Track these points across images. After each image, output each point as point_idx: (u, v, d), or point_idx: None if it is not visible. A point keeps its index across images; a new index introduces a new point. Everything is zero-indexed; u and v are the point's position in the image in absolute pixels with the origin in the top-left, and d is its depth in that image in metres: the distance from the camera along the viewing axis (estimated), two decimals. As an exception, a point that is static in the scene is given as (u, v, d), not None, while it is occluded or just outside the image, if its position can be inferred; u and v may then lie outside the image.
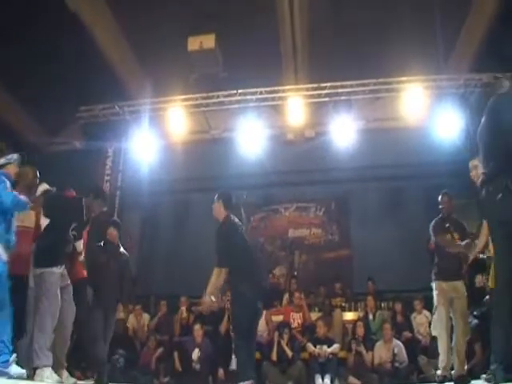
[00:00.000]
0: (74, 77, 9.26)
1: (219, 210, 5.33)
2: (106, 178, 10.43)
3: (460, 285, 5.73)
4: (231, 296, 5.30)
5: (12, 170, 4.65)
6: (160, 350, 8.16)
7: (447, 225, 5.88)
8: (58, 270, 4.75)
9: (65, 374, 4.60)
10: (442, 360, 5.64)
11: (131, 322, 8.82)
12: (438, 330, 5.80)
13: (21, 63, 8.91)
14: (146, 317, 9.01)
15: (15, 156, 4.75)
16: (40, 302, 4.66)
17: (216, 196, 5.40)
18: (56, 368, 4.61)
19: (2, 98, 9.87)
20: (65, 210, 5.01)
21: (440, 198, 6.03)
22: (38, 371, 4.49)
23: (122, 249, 6.57)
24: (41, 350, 4.47)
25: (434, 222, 6.00)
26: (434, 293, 5.87)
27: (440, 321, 5.78)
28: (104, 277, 6.23)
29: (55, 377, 4.53)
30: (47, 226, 4.86)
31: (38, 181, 5.22)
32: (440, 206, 6.02)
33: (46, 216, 4.91)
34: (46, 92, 9.22)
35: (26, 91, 9.44)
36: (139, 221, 12.06)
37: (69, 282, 4.91)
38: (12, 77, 9.09)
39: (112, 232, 6.53)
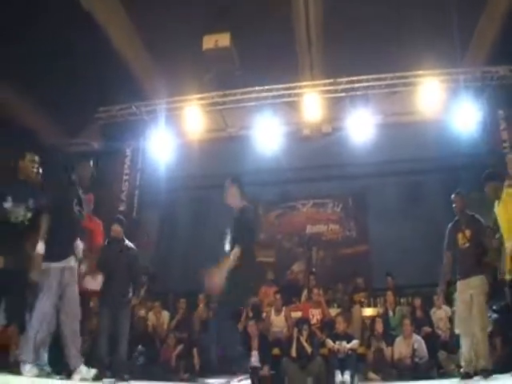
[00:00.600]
0: (90, 77, 9.34)
1: (235, 197, 5.07)
2: (125, 177, 10.52)
3: (478, 280, 5.63)
4: None
5: None
6: (180, 347, 8.21)
7: (460, 224, 5.94)
8: (61, 264, 4.70)
9: (84, 369, 4.64)
10: (464, 357, 5.61)
11: (151, 319, 8.85)
12: (460, 328, 5.78)
13: (35, 63, 8.96)
14: (165, 314, 9.02)
15: None
16: (38, 296, 4.68)
17: (229, 181, 5.12)
18: (74, 364, 4.66)
19: (19, 100, 9.96)
20: (60, 192, 4.98)
21: (453, 197, 6.06)
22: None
23: (127, 242, 6.57)
24: (24, 344, 4.52)
25: (449, 226, 6.06)
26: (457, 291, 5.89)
27: (460, 318, 5.77)
28: (110, 274, 6.27)
29: (92, 372, 4.62)
30: (53, 219, 4.81)
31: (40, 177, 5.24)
32: (453, 205, 6.05)
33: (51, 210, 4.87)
34: (63, 93, 9.29)
35: (43, 92, 9.49)
36: (157, 219, 12.14)
37: (75, 280, 4.88)
38: (27, 78, 9.16)
39: (116, 228, 6.57)
